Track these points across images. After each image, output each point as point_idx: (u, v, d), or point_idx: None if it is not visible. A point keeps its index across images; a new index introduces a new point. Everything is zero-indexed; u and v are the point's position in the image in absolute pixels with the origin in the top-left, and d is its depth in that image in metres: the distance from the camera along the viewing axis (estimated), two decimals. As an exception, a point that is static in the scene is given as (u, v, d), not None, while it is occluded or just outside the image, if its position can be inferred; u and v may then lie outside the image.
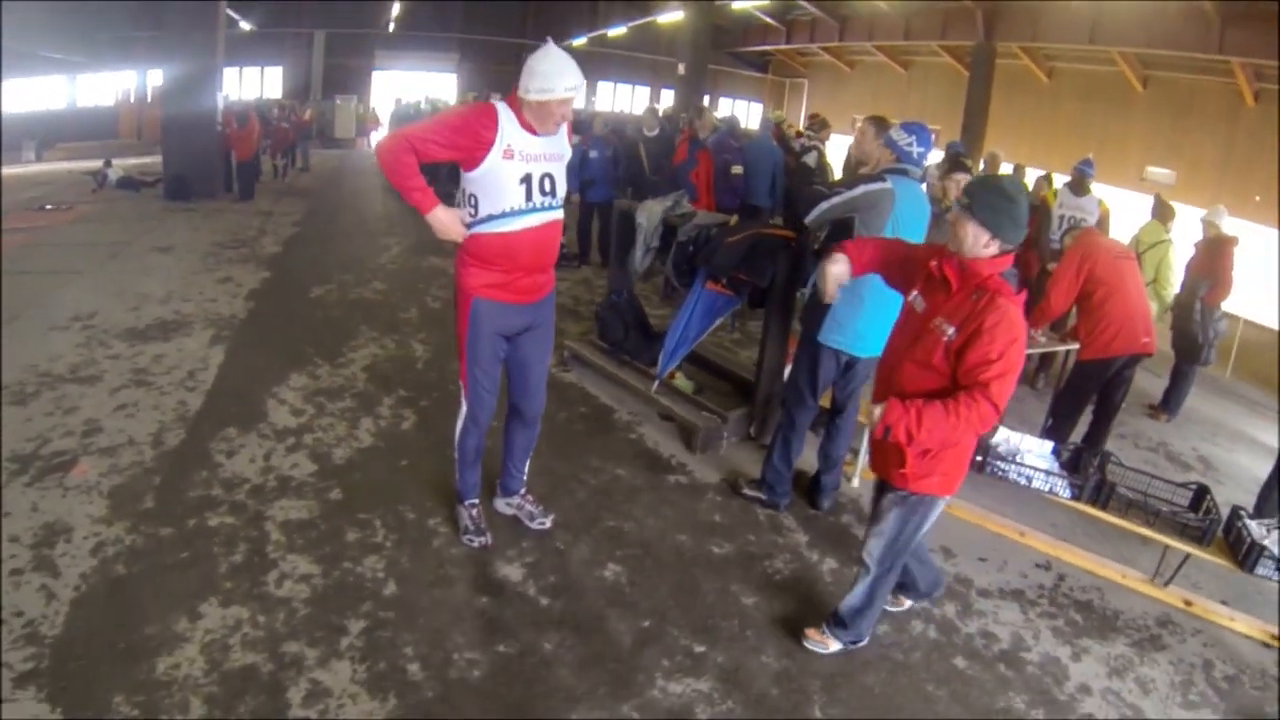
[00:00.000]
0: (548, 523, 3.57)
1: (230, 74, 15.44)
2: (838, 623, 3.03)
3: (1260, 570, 3.43)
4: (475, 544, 3.38)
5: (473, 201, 2.96)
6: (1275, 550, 3.44)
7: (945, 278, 2.61)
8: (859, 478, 4.40)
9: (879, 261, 2.99)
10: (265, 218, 10.27)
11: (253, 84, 20.58)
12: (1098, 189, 7.07)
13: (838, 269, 2.91)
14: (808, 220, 3.77)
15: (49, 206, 10.04)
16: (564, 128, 3.07)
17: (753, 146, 7.84)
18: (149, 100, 17.35)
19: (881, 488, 2.89)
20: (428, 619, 2.94)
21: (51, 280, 6.66)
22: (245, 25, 17.84)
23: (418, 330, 6.18)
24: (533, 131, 2.94)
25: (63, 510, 3.38)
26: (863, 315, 3.66)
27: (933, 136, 3.90)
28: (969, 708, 2.87)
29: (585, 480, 4.09)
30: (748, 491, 4.07)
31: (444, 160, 2.95)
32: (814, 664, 2.98)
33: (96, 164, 12.35)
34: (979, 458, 3.98)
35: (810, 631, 3.07)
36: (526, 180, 2.94)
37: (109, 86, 17.32)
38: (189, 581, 3.02)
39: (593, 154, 8.32)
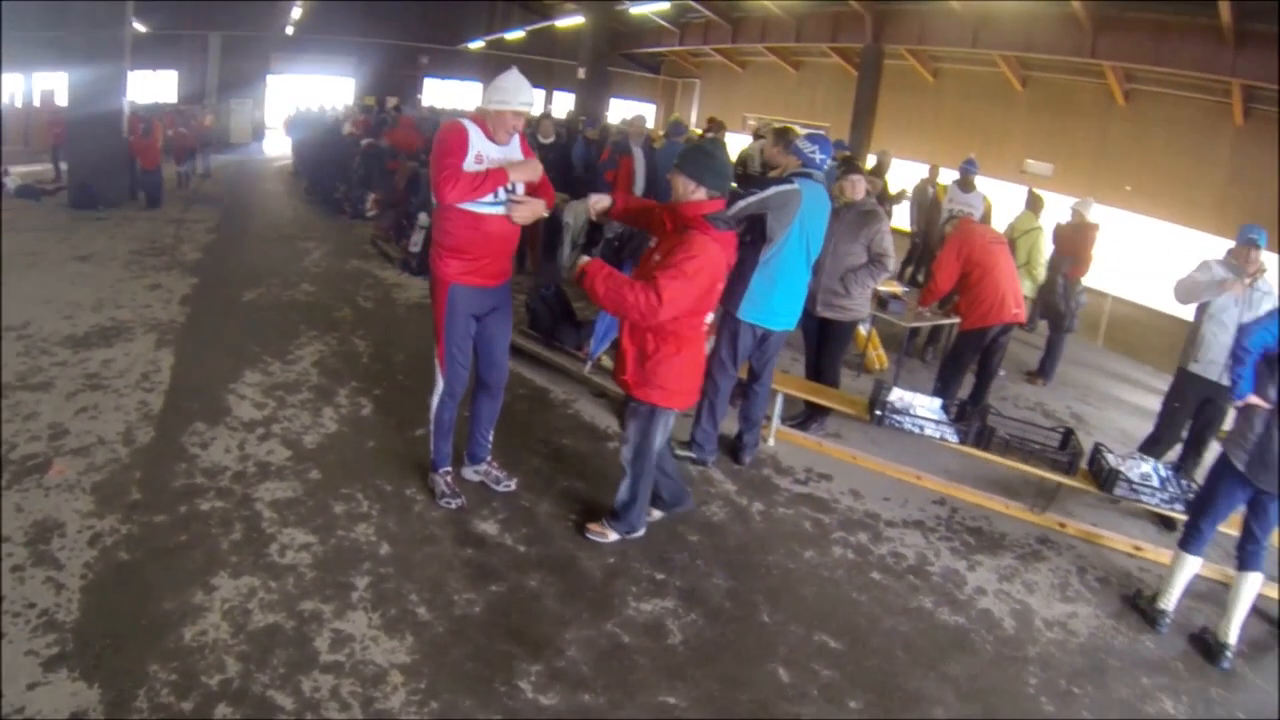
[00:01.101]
0: (512, 485, 4.05)
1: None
2: (613, 516, 3.70)
3: (1118, 490, 4.25)
4: (452, 505, 3.81)
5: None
6: (1128, 474, 4.26)
7: (664, 222, 3.37)
8: (774, 438, 5.03)
9: (635, 214, 3.76)
10: (178, 225, 10.15)
11: (146, 88, 19.81)
12: (983, 185, 7.93)
13: (603, 202, 3.67)
14: (726, 216, 4.33)
15: (-50, 218, 9.65)
16: (518, 139, 3.59)
17: (663, 150, 8.38)
18: (36, 105, 16.57)
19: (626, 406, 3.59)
20: (423, 570, 3.35)
21: (-29, 292, 6.54)
22: (139, 27, 17.21)
23: (355, 328, 6.45)
24: (495, 141, 3.46)
25: (49, 508, 3.50)
26: (775, 294, 4.34)
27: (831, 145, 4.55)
28: (887, 608, 3.53)
29: (537, 450, 4.57)
30: (680, 452, 4.59)
31: None
32: (758, 582, 3.58)
33: (-9, 173, 11.83)
34: (877, 412, 4.66)
35: (591, 525, 3.74)
36: None
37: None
38: (194, 560, 3.26)
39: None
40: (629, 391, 3.47)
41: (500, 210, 3.49)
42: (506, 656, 2.92)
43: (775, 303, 4.32)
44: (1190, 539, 3.66)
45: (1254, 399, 3.56)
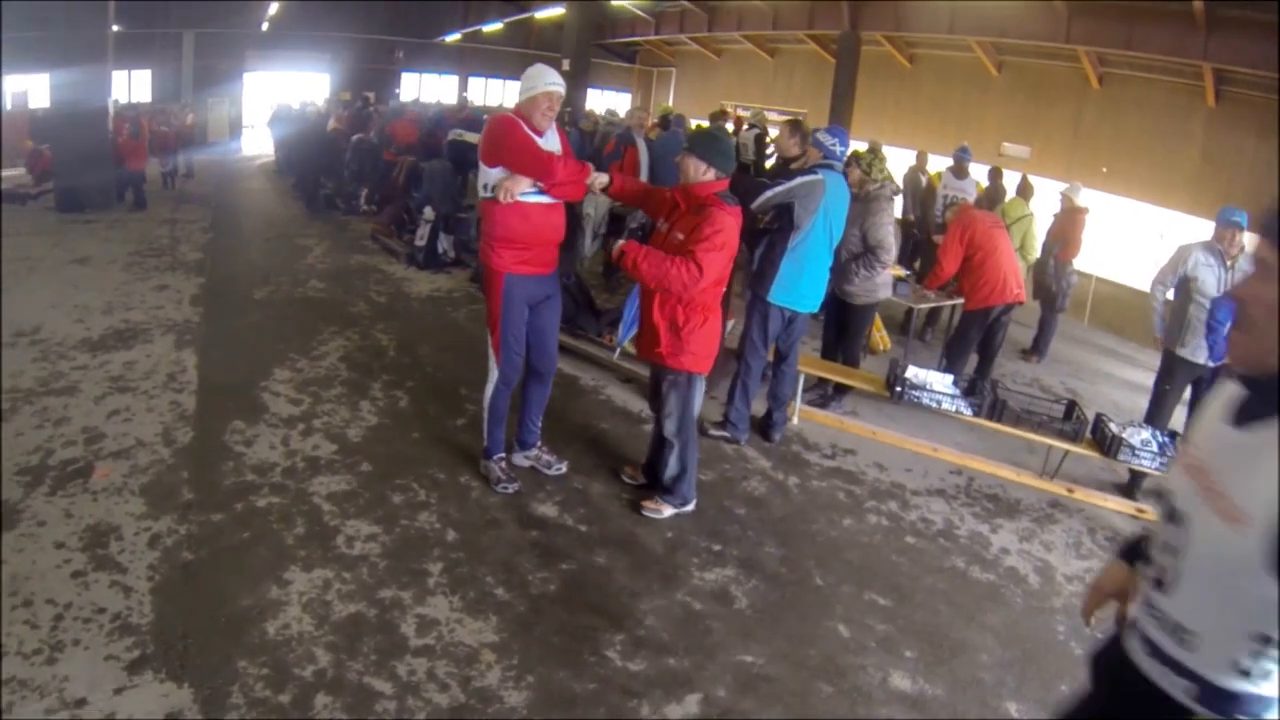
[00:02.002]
0: (563, 468, 4.20)
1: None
2: (665, 492, 3.91)
3: (1121, 456, 4.53)
4: (509, 490, 3.96)
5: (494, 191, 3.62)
6: (1130, 440, 4.54)
7: (677, 202, 3.61)
8: (798, 416, 5.26)
9: (637, 196, 4.03)
10: (171, 226, 10.09)
11: (121, 88, 19.47)
12: (973, 170, 8.19)
13: (601, 179, 3.76)
14: (754, 205, 4.54)
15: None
16: (555, 132, 3.75)
17: (661, 140, 8.56)
18: (9, 108, 16.23)
19: (656, 379, 3.83)
20: (493, 554, 3.50)
21: (-27, 299, 6.41)
22: (112, 26, 16.88)
23: (374, 323, 6.53)
24: (537, 133, 3.62)
25: (100, 512, 3.51)
26: (803, 279, 4.56)
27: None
28: (925, 568, 3.81)
29: (577, 435, 4.73)
30: (713, 432, 4.83)
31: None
32: (806, 549, 3.83)
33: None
34: (896, 388, 4.90)
35: (646, 503, 3.94)
36: None
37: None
38: (262, 556, 3.32)
39: None
40: (664, 363, 3.68)
41: (542, 200, 3.63)
42: (589, 629, 3.08)
43: (803, 286, 4.55)
44: None
45: None
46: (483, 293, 3.85)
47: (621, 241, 3.52)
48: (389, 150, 10.72)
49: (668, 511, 3.89)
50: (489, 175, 3.61)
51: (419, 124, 11.06)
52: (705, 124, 10.96)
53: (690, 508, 3.95)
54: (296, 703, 2.61)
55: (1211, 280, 4.58)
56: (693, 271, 3.38)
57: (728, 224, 3.47)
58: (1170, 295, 4.90)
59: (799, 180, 4.43)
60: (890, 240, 5.15)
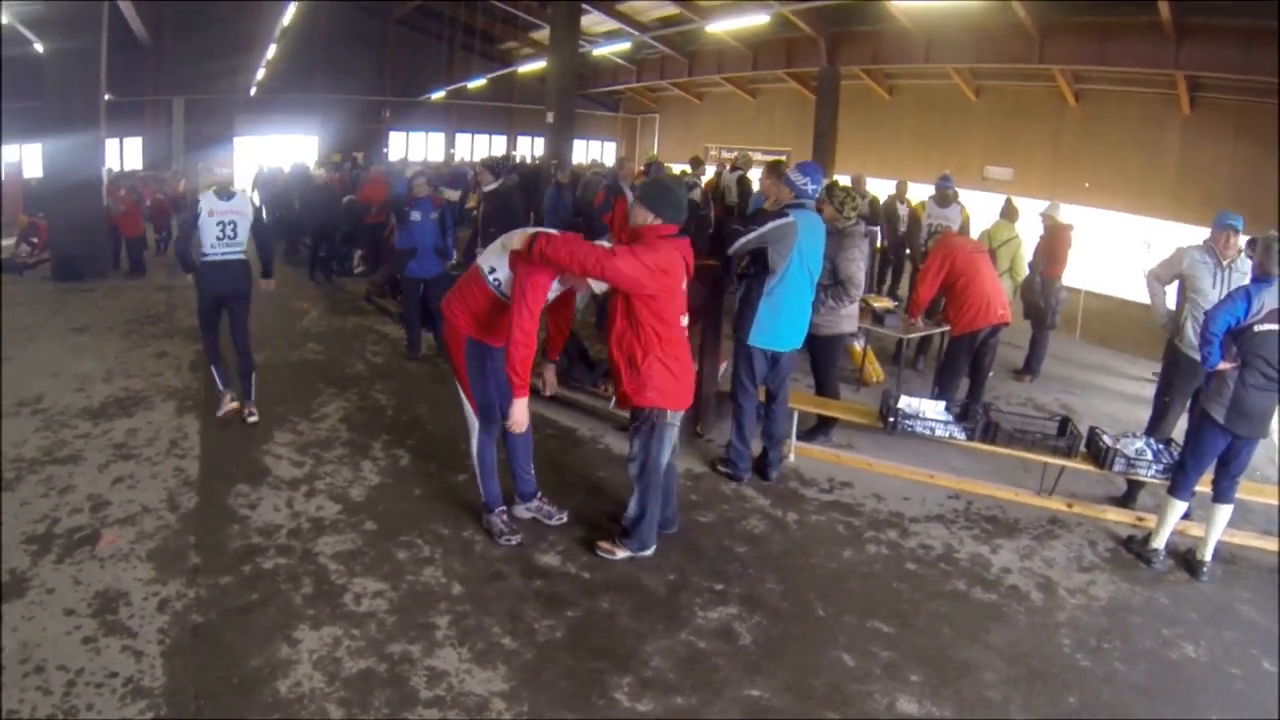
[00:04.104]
0: (564, 517, 4.25)
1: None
2: (623, 534, 3.95)
3: (1116, 467, 4.62)
4: (512, 542, 4.01)
5: (497, 283, 3.79)
6: (1125, 451, 4.62)
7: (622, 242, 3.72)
8: (794, 453, 5.31)
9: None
10: (167, 292, 10.15)
11: (112, 155, 19.77)
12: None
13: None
14: (730, 251, 4.71)
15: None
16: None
17: (642, 185, 8.68)
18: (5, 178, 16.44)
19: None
20: (499, 604, 3.54)
21: (-26, 368, 6.42)
22: (104, 95, 17.15)
23: (372, 383, 6.60)
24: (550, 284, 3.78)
25: (109, 579, 3.55)
26: (781, 320, 4.67)
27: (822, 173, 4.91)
28: (926, 593, 3.85)
29: (578, 485, 4.79)
30: (721, 469, 4.95)
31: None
32: (807, 582, 3.87)
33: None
34: (890, 419, 4.97)
35: (602, 543, 3.98)
36: None
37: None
38: (270, 616, 3.36)
39: (415, 216, 7.14)
40: (630, 402, 3.73)
41: None
42: (597, 673, 3.12)
43: (782, 327, 4.66)
44: (1179, 486, 4.23)
45: (1223, 365, 3.99)
46: (442, 356, 3.94)
47: (530, 231, 3.60)
48: (366, 213, 10.81)
49: (622, 554, 3.91)
50: (501, 270, 3.74)
51: (386, 182, 11.18)
52: (687, 168, 11.21)
53: (648, 553, 3.95)
54: (311, 759, 2.63)
55: (1207, 279, 4.69)
56: (604, 253, 3.45)
57: (662, 247, 3.56)
58: (1172, 295, 5.02)
59: (770, 225, 4.50)
60: (860, 276, 5.25)
